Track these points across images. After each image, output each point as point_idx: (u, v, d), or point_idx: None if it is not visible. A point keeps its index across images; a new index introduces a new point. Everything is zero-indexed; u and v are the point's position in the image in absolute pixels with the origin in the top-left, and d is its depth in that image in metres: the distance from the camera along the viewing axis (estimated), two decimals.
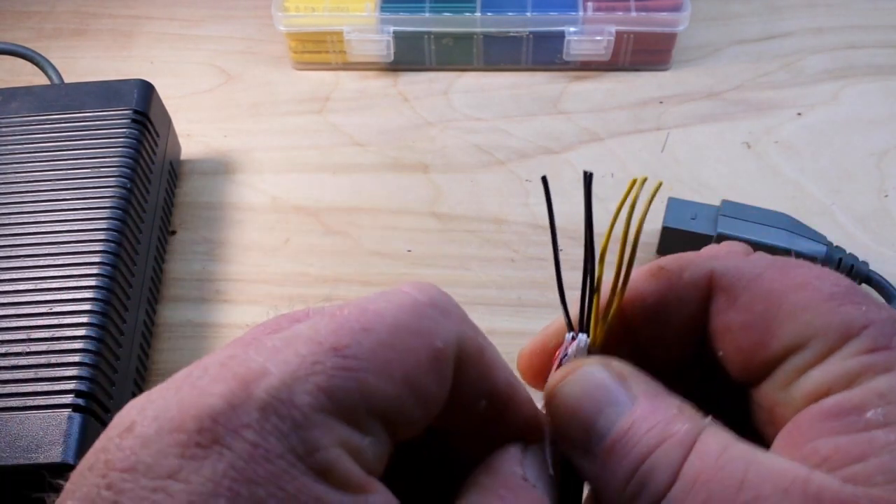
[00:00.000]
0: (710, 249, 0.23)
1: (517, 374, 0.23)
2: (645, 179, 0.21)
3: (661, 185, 0.22)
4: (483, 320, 0.43)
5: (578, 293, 0.22)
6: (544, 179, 0.23)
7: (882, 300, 0.42)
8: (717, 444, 0.18)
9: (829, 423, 0.18)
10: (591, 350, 0.22)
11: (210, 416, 0.15)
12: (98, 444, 0.16)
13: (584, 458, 0.20)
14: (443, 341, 0.18)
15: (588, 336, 0.22)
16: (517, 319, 0.43)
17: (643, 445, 0.19)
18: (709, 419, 0.19)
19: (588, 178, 0.22)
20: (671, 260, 0.22)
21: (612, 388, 0.20)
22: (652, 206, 0.21)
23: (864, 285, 0.42)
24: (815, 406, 0.19)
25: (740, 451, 0.18)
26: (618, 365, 0.21)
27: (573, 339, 0.22)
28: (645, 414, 0.19)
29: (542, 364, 0.23)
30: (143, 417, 0.15)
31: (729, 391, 0.22)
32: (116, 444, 0.15)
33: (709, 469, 0.18)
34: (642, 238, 0.21)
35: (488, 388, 0.20)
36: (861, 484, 0.17)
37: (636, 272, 0.22)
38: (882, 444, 0.17)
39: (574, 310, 0.23)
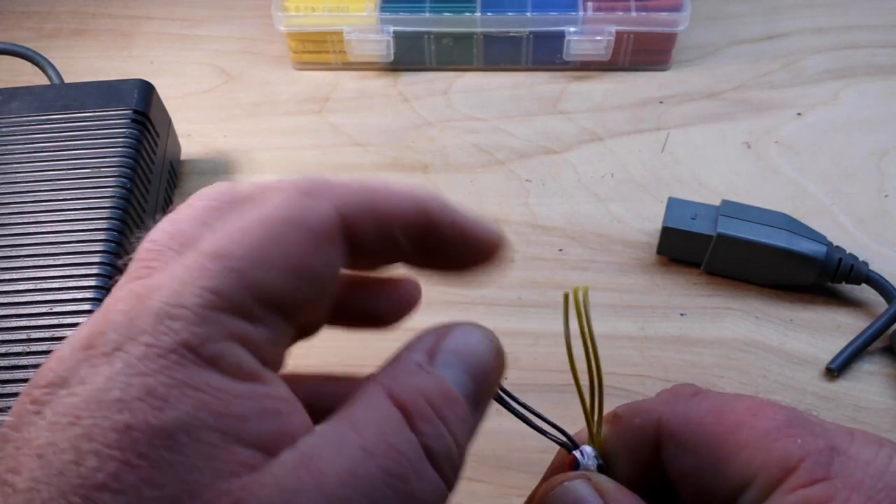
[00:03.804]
0: (661, 394, 0.24)
1: None
2: (584, 290, 0.23)
3: (587, 289, 0.23)
4: (483, 320, 0.43)
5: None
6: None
7: (882, 299, 0.42)
8: None
9: None
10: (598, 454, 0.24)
11: (112, 330, 0.17)
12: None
13: None
14: (317, 221, 0.19)
15: (592, 447, 0.24)
16: (517, 319, 0.43)
17: None
18: None
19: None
20: (625, 408, 0.24)
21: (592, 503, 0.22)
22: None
23: (863, 285, 0.42)
24: None
25: None
26: (598, 480, 0.22)
27: (580, 453, 0.24)
28: None
29: None
30: (61, 344, 0.18)
31: None
32: (43, 366, 0.18)
33: None
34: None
35: (408, 216, 0.21)
36: None
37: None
38: None
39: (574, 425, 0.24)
